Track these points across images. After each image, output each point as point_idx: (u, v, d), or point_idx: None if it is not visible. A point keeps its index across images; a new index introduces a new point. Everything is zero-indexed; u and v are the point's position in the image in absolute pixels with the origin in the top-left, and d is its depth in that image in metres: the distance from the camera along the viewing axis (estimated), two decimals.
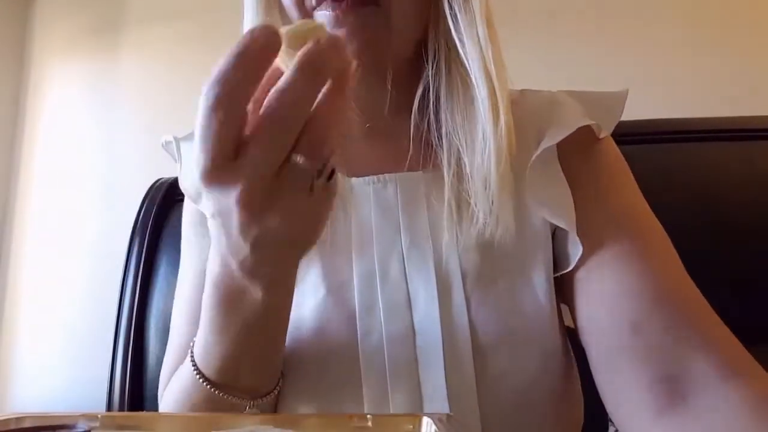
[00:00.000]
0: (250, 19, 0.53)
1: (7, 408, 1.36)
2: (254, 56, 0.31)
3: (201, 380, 0.45)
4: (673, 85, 1.20)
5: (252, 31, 0.31)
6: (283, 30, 0.32)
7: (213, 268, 0.42)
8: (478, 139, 0.49)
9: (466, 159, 0.50)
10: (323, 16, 0.47)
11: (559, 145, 0.52)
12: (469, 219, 0.49)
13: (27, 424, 0.32)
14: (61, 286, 1.38)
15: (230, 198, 0.34)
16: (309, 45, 0.31)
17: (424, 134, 0.53)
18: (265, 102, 0.32)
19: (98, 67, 1.50)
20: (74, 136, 1.48)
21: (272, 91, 0.32)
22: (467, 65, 0.49)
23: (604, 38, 1.26)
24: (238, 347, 0.44)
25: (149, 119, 1.43)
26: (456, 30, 0.49)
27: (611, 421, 0.72)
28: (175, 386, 0.49)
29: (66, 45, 1.52)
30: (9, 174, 1.50)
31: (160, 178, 1.08)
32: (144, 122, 1.43)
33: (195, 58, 1.42)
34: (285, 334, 0.47)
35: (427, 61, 0.52)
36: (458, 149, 0.50)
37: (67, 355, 1.33)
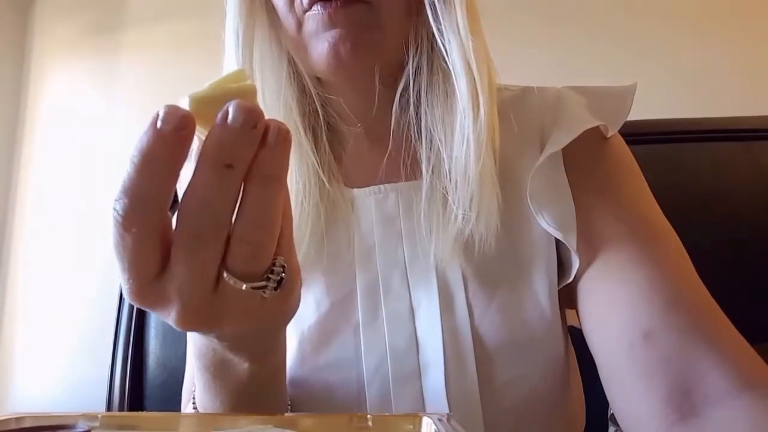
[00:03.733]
0: (232, 23, 0.50)
1: (7, 408, 1.35)
2: (161, 154, 0.26)
3: None
4: (676, 85, 1.20)
5: (155, 123, 0.26)
6: (188, 98, 0.27)
7: (194, 338, 0.38)
8: (457, 133, 0.47)
9: (444, 153, 0.48)
10: (314, 17, 0.46)
11: (565, 148, 0.50)
12: (449, 217, 0.48)
13: (27, 424, 0.32)
14: (61, 286, 1.38)
15: (168, 317, 0.29)
16: (212, 127, 0.25)
17: (404, 130, 0.52)
18: (179, 208, 0.27)
19: (98, 67, 1.49)
20: (74, 136, 1.47)
21: (182, 194, 0.27)
22: (447, 57, 0.48)
23: (606, 38, 1.26)
24: (235, 406, 0.42)
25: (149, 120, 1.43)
26: (436, 22, 0.48)
27: (611, 421, 0.72)
28: None
29: (66, 46, 1.52)
30: (9, 174, 1.50)
31: None
32: (144, 123, 1.43)
33: (195, 59, 1.41)
34: (283, 387, 0.46)
35: (407, 55, 0.50)
36: (438, 144, 0.49)
37: (67, 355, 1.33)
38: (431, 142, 0.49)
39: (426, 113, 0.50)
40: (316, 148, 0.52)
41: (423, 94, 0.50)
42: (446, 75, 0.48)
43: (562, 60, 1.24)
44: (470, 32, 0.47)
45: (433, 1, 0.48)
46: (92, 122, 1.47)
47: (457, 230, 0.48)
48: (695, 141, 0.94)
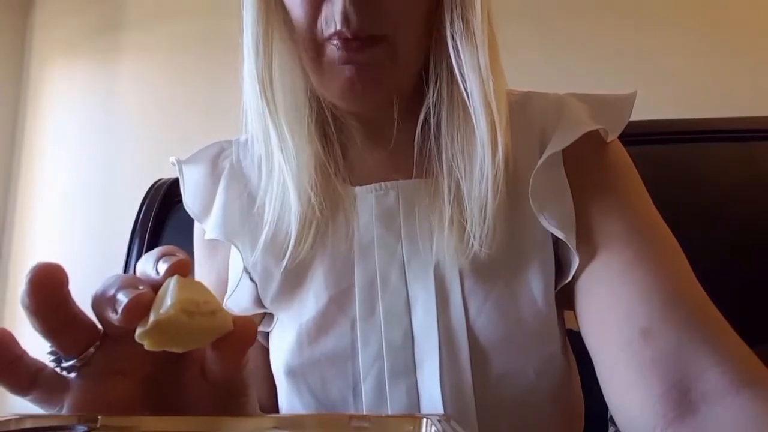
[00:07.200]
0: (250, 29, 0.49)
1: (7, 408, 1.35)
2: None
3: None
4: (675, 86, 1.20)
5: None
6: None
7: None
8: (476, 169, 0.49)
9: (464, 187, 0.50)
10: (334, 49, 0.46)
11: (565, 150, 0.51)
12: (465, 241, 0.49)
13: (27, 425, 0.31)
14: None
15: None
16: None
17: (426, 159, 0.53)
18: None
19: (98, 68, 1.50)
20: (74, 137, 1.47)
21: None
22: (467, 95, 0.48)
23: (606, 39, 1.26)
24: None
25: (149, 120, 1.43)
26: (457, 59, 0.48)
27: (611, 421, 0.72)
28: None
29: (66, 47, 1.52)
30: (9, 176, 1.50)
31: (160, 179, 1.08)
32: (144, 123, 1.43)
33: (194, 60, 1.42)
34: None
35: (427, 87, 0.51)
36: (458, 177, 0.50)
37: None
38: (451, 174, 0.51)
39: (446, 144, 0.51)
40: (324, 149, 0.53)
41: (443, 126, 0.51)
42: (466, 108, 0.49)
43: (560, 61, 1.24)
44: (491, 71, 0.47)
45: (455, 40, 0.48)
46: (92, 122, 1.47)
47: (474, 254, 0.49)
48: (695, 141, 0.94)
